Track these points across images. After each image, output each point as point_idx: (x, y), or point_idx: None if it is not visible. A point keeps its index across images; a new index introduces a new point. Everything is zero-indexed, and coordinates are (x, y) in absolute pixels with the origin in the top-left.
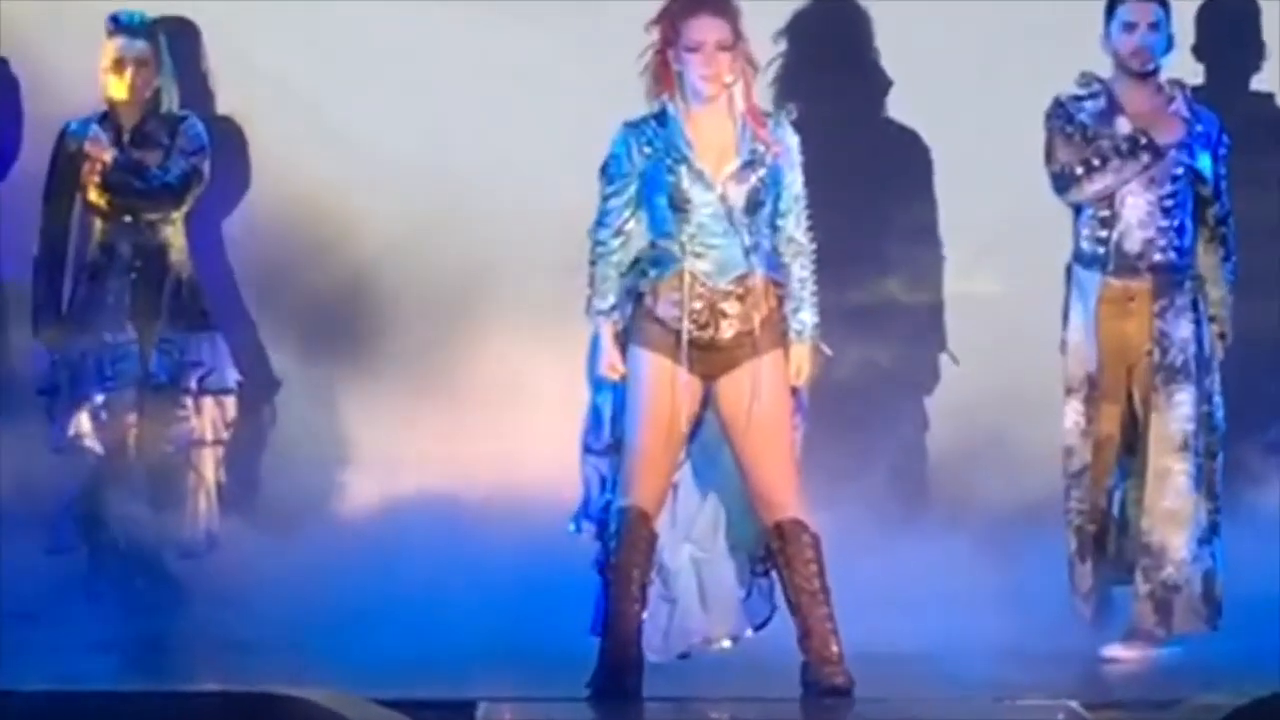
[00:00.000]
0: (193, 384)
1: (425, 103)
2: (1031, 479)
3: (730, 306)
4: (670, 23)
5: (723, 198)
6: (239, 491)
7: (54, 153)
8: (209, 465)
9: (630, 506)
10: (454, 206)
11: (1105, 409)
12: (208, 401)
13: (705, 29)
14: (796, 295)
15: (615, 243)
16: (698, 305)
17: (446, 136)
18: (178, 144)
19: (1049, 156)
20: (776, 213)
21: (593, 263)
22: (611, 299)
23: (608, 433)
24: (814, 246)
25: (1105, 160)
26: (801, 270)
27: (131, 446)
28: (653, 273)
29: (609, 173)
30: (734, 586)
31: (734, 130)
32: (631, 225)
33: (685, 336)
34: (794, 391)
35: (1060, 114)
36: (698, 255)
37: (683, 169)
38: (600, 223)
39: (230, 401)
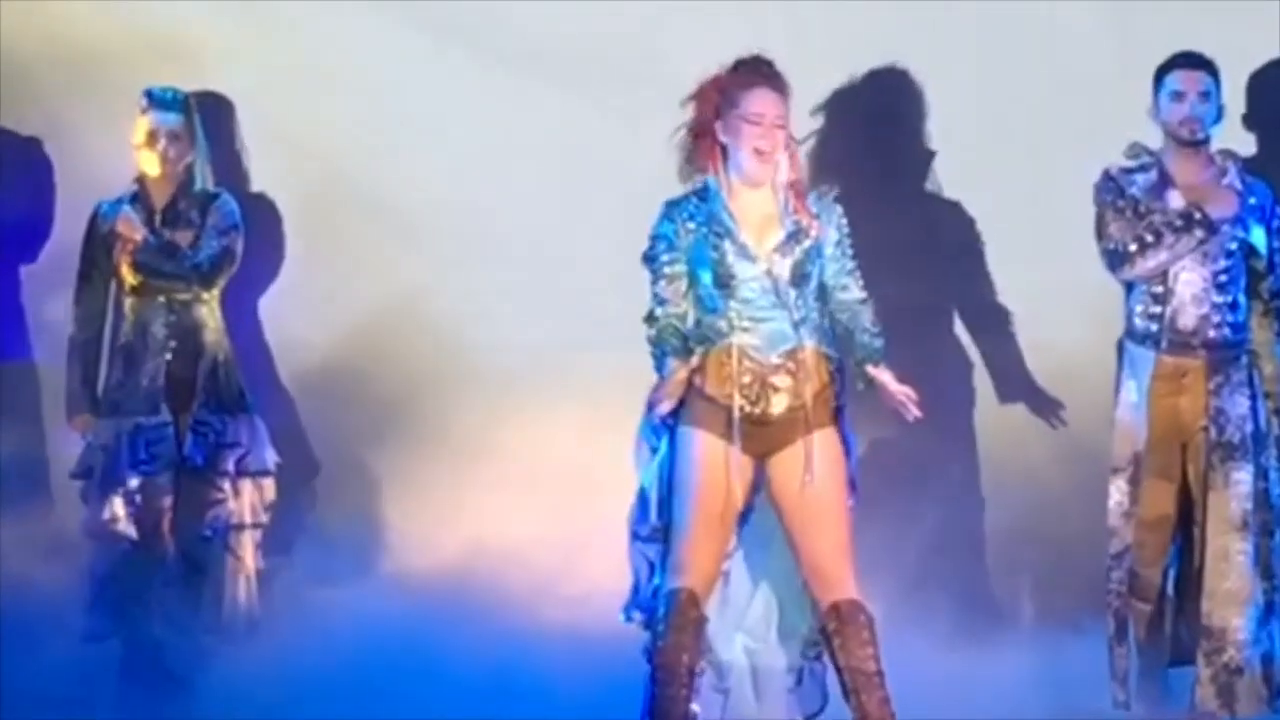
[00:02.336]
0: (230, 466)
1: (468, 176)
2: (1082, 561)
3: (780, 380)
4: (723, 93)
5: (768, 271)
6: (278, 576)
7: (86, 234)
8: (248, 549)
9: (680, 589)
10: (498, 285)
11: (1159, 488)
12: (246, 484)
13: (766, 102)
14: (869, 328)
15: (674, 316)
16: (747, 380)
17: (494, 213)
18: (210, 223)
19: (1100, 233)
20: (824, 285)
21: (655, 346)
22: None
23: (655, 517)
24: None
25: (1159, 237)
26: (870, 321)
27: (166, 531)
28: (700, 349)
29: (655, 254)
30: (786, 675)
31: (777, 203)
32: (686, 302)
33: (736, 411)
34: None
35: (1110, 188)
36: (745, 330)
37: (726, 243)
38: (656, 307)
39: (269, 484)
